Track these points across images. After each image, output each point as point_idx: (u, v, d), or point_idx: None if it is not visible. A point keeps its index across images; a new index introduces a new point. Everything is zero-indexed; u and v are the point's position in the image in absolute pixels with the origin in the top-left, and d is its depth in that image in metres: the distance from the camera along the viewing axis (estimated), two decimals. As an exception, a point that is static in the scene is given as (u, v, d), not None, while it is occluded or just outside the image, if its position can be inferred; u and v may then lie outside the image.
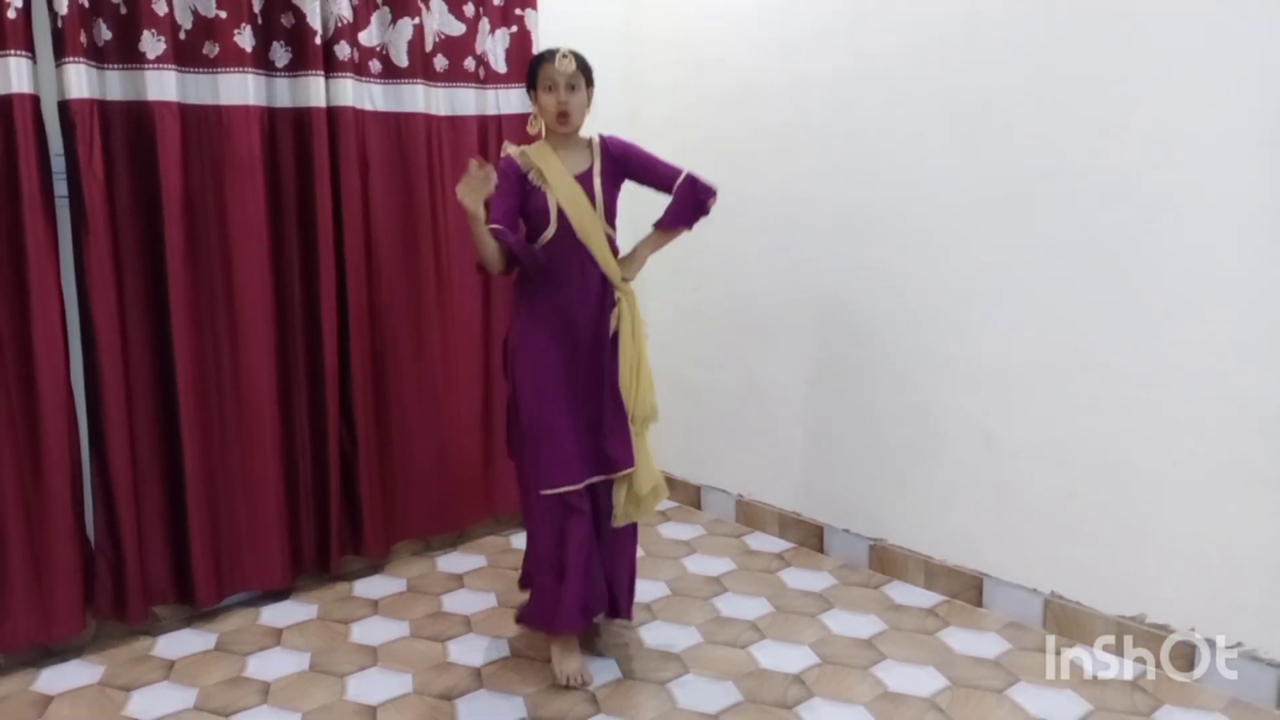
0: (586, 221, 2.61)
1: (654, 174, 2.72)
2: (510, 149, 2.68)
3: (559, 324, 2.64)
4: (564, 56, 2.57)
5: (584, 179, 2.64)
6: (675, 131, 3.97)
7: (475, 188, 2.43)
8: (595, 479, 2.68)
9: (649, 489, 2.70)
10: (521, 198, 2.63)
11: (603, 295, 2.66)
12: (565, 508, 2.65)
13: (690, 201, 2.68)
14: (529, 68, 2.64)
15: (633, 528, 2.85)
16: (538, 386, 2.64)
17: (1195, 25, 2.51)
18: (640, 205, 2.96)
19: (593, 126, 2.73)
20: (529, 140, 2.73)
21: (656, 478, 2.73)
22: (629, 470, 2.66)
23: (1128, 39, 2.64)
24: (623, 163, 2.70)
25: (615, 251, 2.70)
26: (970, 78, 3.00)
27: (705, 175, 2.70)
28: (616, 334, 2.65)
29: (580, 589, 2.66)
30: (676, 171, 2.70)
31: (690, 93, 3.91)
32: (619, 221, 2.74)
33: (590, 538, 2.69)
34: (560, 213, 2.60)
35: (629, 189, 2.78)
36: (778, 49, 3.55)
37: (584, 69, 2.61)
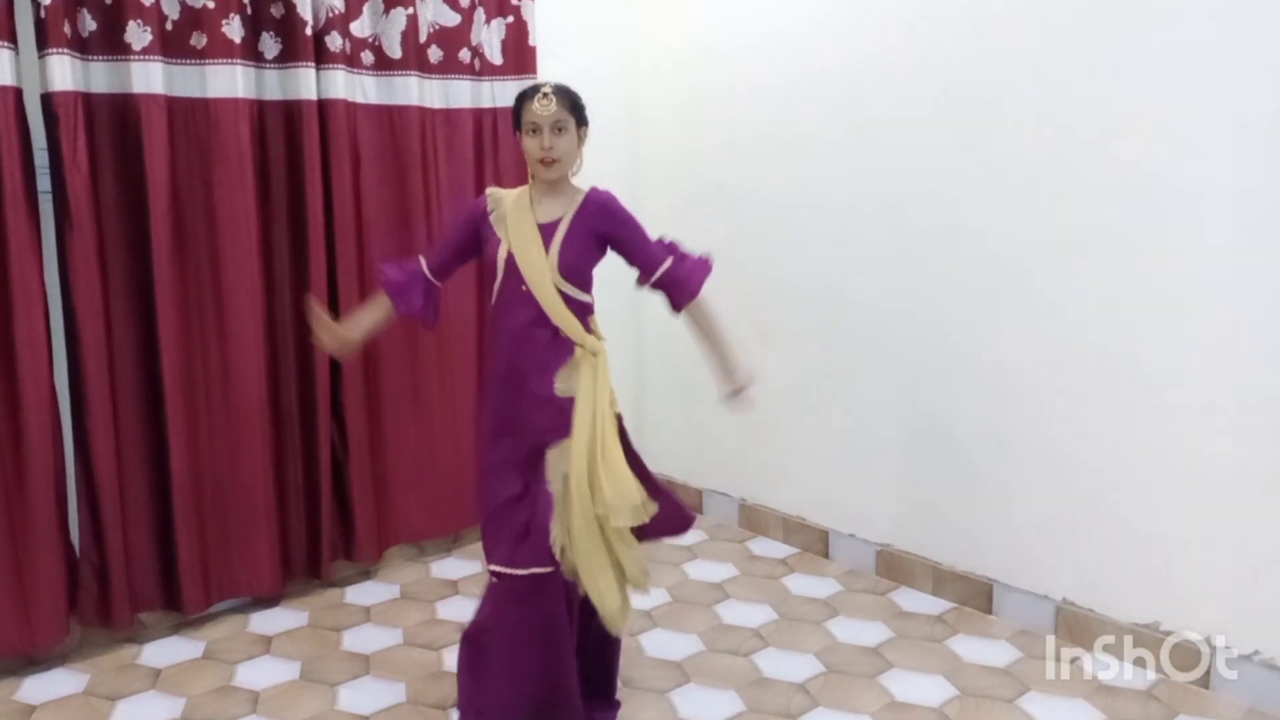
0: (533, 271, 2.28)
1: (634, 256, 2.38)
2: (490, 191, 2.44)
3: (504, 382, 2.36)
4: (544, 96, 2.27)
5: (548, 228, 2.32)
6: (676, 127, 3.97)
7: (322, 332, 2.44)
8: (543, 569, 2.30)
9: (610, 603, 2.30)
10: (475, 240, 2.41)
11: (553, 357, 2.31)
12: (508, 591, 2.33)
13: (680, 286, 2.36)
14: (514, 106, 2.37)
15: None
16: (482, 449, 2.44)
17: (1206, 20, 2.50)
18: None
19: (592, 150, 2.44)
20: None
21: (616, 595, 2.31)
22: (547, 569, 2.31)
23: (1137, 36, 2.62)
24: (604, 228, 2.35)
25: (587, 311, 2.35)
26: (976, 76, 2.98)
27: (694, 248, 2.41)
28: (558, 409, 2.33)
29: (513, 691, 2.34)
30: (658, 259, 2.35)
31: (692, 87, 3.89)
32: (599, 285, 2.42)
33: (537, 631, 2.32)
34: (509, 263, 2.31)
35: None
36: (781, 43, 3.53)
37: (572, 107, 2.30)
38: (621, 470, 2.34)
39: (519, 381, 2.33)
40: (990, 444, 3.04)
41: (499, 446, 2.37)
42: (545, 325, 2.31)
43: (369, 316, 2.51)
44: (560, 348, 2.32)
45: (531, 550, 2.29)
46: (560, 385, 2.32)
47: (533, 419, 2.33)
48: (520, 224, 2.33)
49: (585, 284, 2.35)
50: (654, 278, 2.35)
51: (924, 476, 3.25)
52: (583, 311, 2.34)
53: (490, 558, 2.35)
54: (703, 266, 2.38)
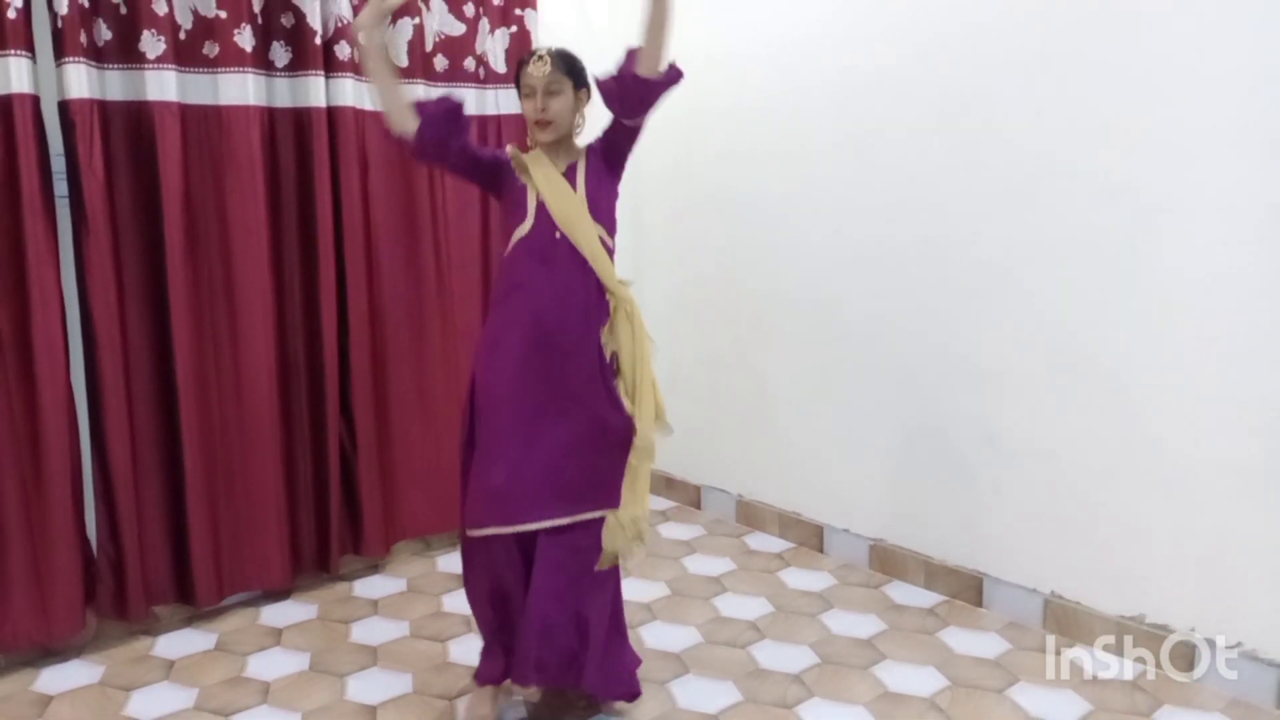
0: (571, 211, 2.31)
1: (610, 123, 2.38)
2: (508, 147, 2.48)
3: (527, 333, 2.31)
4: (539, 58, 2.30)
5: (568, 173, 2.37)
6: (674, 132, 3.95)
7: (373, 10, 2.21)
8: (546, 523, 2.33)
9: (629, 524, 2.36)
10: (494, 171, 2.39)
11: (588, 305, 2.32)
12: (491, 552, 2.38)
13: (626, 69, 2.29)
14: (515, 71, 2.41)
15: (609, 583, 2.46)
16: (486, 402, 2.35)
17: (1195, 25, 2.52)
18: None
19: (585, 137, 2.47)
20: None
21: (638, 518, 2.38)
22: (612, 509, 2.37)
23: (1127, 39, 2.64)
24: (601, 149, 2.41)
25: (611, 256, 2.38)
26: (969, 79, 3.00)
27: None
28: (611, 354, 2.36)
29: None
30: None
31: (691, 93, 3.87)
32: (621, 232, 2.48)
33: (513, 590, 2.40)
34: (540, 209, 2.32)
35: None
36: (779, 49, 3.55)
37: (569, 69, 2.32)
38: (651, 407, 2.40)
39: (556, 340, 2.30)
40: (981, 442, 3.07)
41: (508, 401, 2.31)
42: (579, 274, 2.32)
43: (395, 86, 2.37)
44: (595, 300, 2.33)
45: (597, 496, 2.35)
46: (606, 340, 2.35)
47: (586, 396, 2.32)
48: (546, 171, 2.34)
49: (611, 224, 2.40)
50: (607, 77, 2.29)
51: (916, 473, 3.28)
52: (612, 258, 2.38)
53: (543, 513, 2.31)
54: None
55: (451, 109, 2.34)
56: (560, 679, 2.43)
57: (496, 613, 2.45)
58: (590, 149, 2.44)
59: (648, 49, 2.24)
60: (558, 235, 2.32)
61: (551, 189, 2.33)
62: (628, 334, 2.35)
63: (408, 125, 2.32)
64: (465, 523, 2.41)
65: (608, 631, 2.47)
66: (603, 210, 2.38)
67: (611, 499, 2.37)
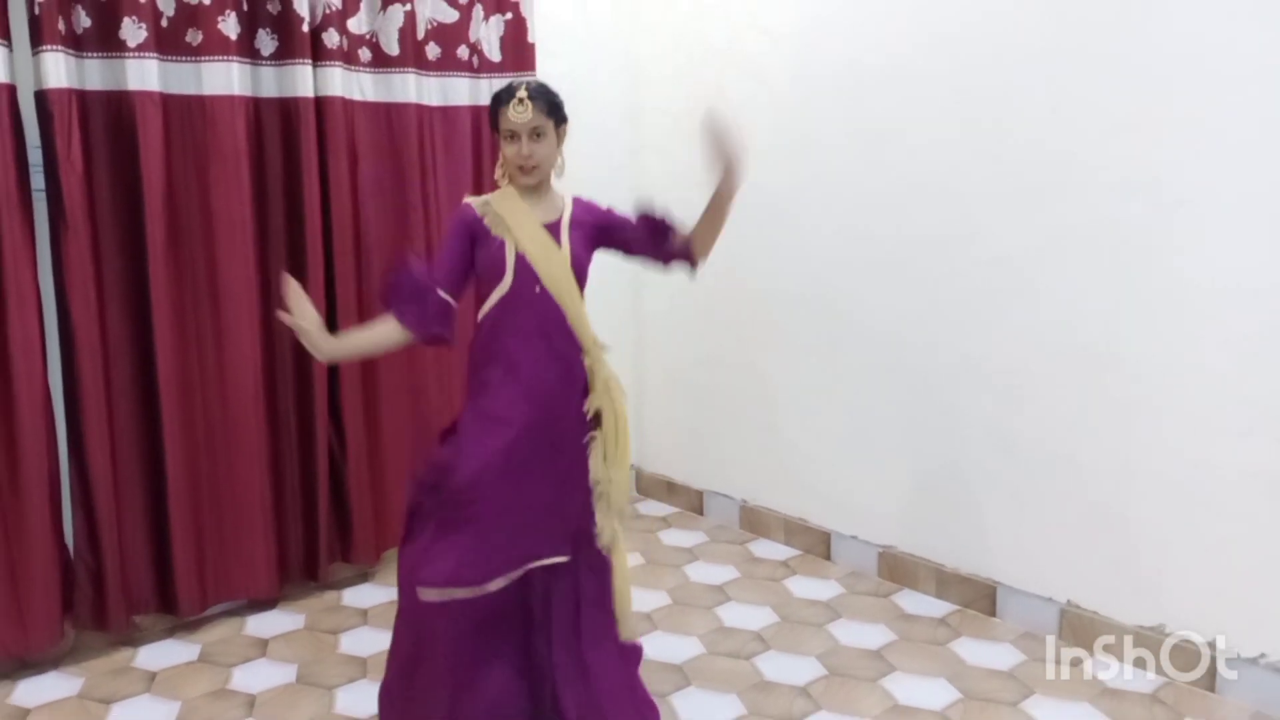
0: (557, 271, 2.22)
1: (627, 226, 2.34)
2: (470, 200, 2.32)
3: (517, 399, 2.23)
4: (520, 102, 2.16)
5: (552, 228, 2.27)
6: (677, 125, 3.94)
7: (294, 307, 2.13)
8: (533, 564, 2.26)
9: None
10: (470, 250, 2.26)
11: (573, 368, 2.27)
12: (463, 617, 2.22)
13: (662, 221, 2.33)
14: (490, 106, 2.28)
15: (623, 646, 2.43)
16: (484, 455, 2.21)
17: (1212, 19, 2.50)
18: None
19: (592, 147, 2.47)
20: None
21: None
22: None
23: (1146, 32, 2.62)
24: (595, 225, 2.33)
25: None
26: (982, 72, 2.98)
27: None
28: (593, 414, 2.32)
29: None
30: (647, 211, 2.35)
31: (692, 82, 3.88)
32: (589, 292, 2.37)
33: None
34: (519, 263, 2.21)
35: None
36: (784, 40, 3.52)
37: (550, 109, 2.20)
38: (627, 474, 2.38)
39: (543, 395, 2.24)
40: (994, 446, 3.04)
41: (506, 459, 2.21)
42: (560, 330, 2.24)
43: (363, 335, 2.31)
44: (575, 352, 2.27)
45: (562, 539, 2.28)
46: (589, 401, 2.29)
47: (571, 436, 2.28)
48: (527, 224, 2.24)
49: (583, 284, 2.31)
50: (655, 218, 2.30)
51: (927, 478, 3.25)
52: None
53: (533, 555, 2.23)
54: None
55: (416, 295, 2.20)
56: None
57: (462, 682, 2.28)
58: (580, 208, 2.32)
59: (703, 243, 2.37)
60: (538, 290, 2.22)
61: (536, 245, 2.22)
62: (606, 400, 2.30)
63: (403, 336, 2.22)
64: (443, 581, 2.20)
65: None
66: (581, 271, 2.30)
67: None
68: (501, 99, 2.22)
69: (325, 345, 2.18)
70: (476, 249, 2.26)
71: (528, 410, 2.22)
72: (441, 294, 2.20)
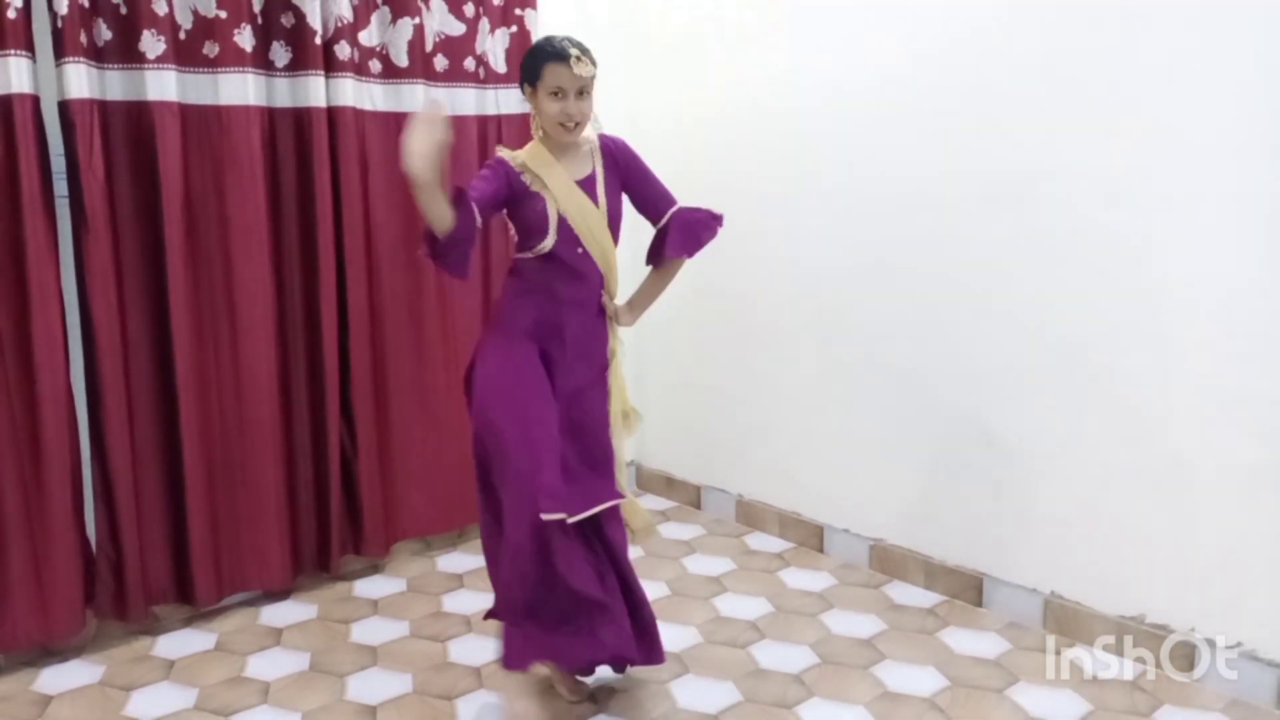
0: (596, 230, 2.28)
1: (649, 194, 2.39)
2: (503, 151, 2.34)
3: (545, 341, 2.35)
4: (579, 59, 2.15)
5: (587, 185, 2.31)
6: (675, 130, 3.96)
7: (425, 140, 1.96)
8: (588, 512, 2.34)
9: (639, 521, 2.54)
10: (510, 197, 2.27)
11: (598, 319, 2.40)
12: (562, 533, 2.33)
13: (688, 230, 2.39)
14: (528, 61, 2.24)
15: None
16: (515, 388, 2.29)
17: (1195, 25, 2.52)
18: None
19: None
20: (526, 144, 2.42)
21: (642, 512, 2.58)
22: (618, 501, 2.43)
23: (1129, 40, 2.64)
24: (624, 170, 2.38)
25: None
26: (968, 82, 2.99)
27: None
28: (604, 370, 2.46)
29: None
30: (672, 200, 2.41)
31: (691, 92, 3.90)
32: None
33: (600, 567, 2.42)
34: (562, 224, 2.26)
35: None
36: (779, 50, 3.55)
37: (595, 66, 2.24)
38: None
39: (571, 344, 2.37)
40: (981, 441, 3.07)
41: (539, 389, 2.32)
42: (595, 290, 2.37)
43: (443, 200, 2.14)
44: (602, 316, 2.43)
45: (610, 485, 2.42)
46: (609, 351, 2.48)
47: (589, 385, 2.42)
48: (565, 185, 2.26)
49: (617, 236, 2.41)
50: (667, 215, 2.38)
51: (916, 473, 3.28)
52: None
53: (568, 505, 2.26)
54: (713, 221, 2.40)
55: (470, 232, 2.19)
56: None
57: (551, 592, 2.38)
58: (609, 156, 2.37)
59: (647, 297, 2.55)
60: (580, 251, 2.31)
61: (575, 206, 2.28)
62: (616, 354, 2.50)
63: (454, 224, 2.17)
64: (546, 507, 2.24)
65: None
66: (616, 225, 2.38)
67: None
68: (549, 55, 2.17)
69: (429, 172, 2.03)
70: (514, 202, 2.28)
71: (549, 355, 2.36)
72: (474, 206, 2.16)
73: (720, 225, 2.42)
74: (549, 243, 2.28)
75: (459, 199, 2.13)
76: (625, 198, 2.46)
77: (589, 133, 2.37)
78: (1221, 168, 2.50)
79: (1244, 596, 2.56)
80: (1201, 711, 2.53)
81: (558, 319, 2.36)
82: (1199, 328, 2.57)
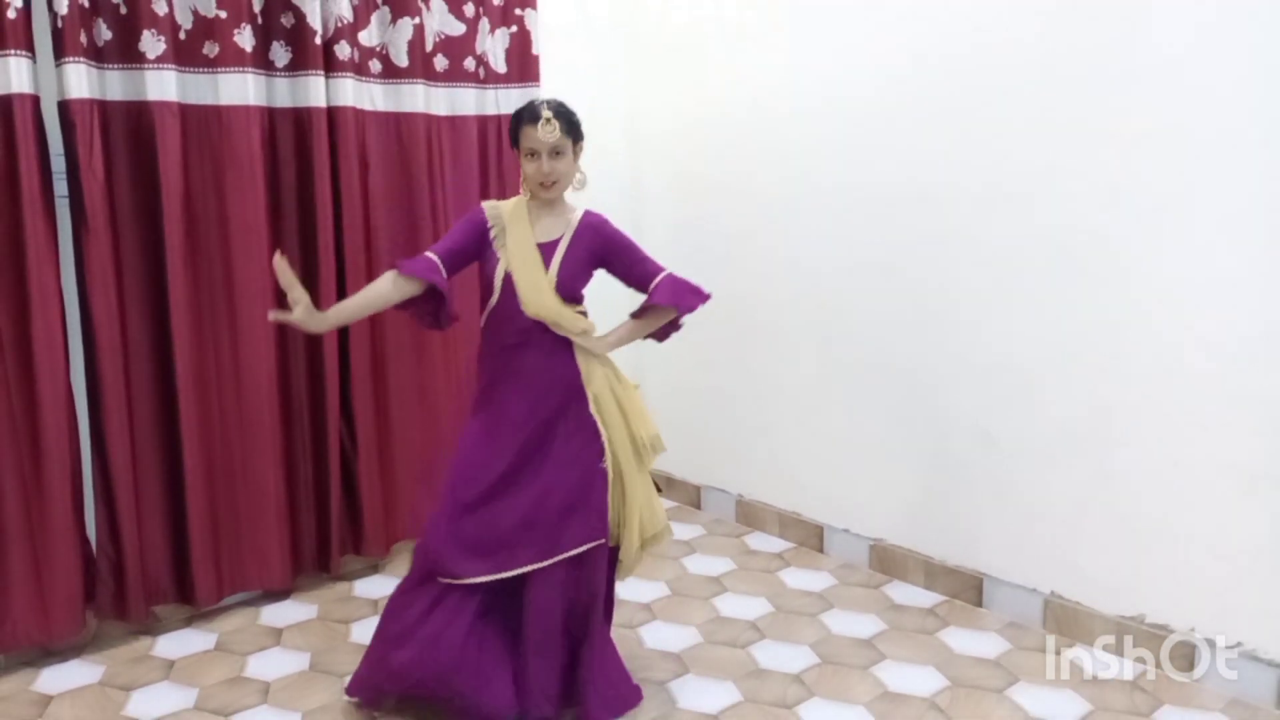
0: (530, 289, 2.31)
1: (633, 264, 2.42)
2: (487, 204, 2.45)
3: (496, 401, 2.40)
4: (547, 122, 2.26)
5: (548, 248, 2.36)
6: (675, 131, 3.98)
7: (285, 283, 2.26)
8: (507, 573, 2.38)
9: (651, 532, 2.49)
10: (475, 251, 2.40)
11: (552, 371, 2.38)
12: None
13: (675, 291, 2.39)
14: (512, 124, 2.37)
15: (599, 620, 2.51)
16: (465, 459, 2.40)
17: (1193, 26, 2.52)
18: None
19: (593, 150, 2.51)
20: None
21: (660, 520, 2.52)
22: (597, 542, 2.42)
23: (1128, 41, 2.64)
24: (601, 246, 2.40)
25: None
26: (968, 84, 3.00)
27: (693, 279, 2.43)
28: (580, 414, 2.42)
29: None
30: (659, 267, 2.42)
31: (690, 93, 3.91)
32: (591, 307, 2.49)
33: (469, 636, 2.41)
34: (506, 283, 2.34)
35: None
36: (779, 50, 3.55)
37: (570, 128, 2.31)
38: (644, 414, 2.53)
39: (520, 402, 2.37)
40: (982, 442, 3.07)
41: (482, 460, 2.38)
42: (544, 336, 2.37)
43: (354, 298, 2.43)
44: (562, 365, 2.39)
45: (584, 528, 2.39)
46: (590, 397, 2.42)
47: (547, 437, 2.39)
48: (521, 244, 2.34)
49: (577, 301, 2.42)
50: (656, 280, 2.38)
51: (917, 473, 3.28)
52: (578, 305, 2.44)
53: (518, 562, 2.36)
54: (699, 293, 2.41)
55: (428, 268, 2.35)
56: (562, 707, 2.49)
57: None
58: (583, 229, 2.39)
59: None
60: (521, 307, 2.35)
61: (522, 264, 2.33)
62: (605, 386, 2.44)
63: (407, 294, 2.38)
64: (446, 571, 2.38)
65: (600, 653, 2.52)
66: (570, 294, 2.39)
67: (594, 530, 2.42)
68: (524, 118, 2.31)
69: (314, 322, 2.32)
70: (479, 257, 2.40)
71: (501, 416, 2.38)
72: (431, 255, 2.35)
73: (705, 300, 2.42)
74: (494, 300, 2.37)
75: (418, 270, 2.33)
76: (606, 273, 2.47)
77: (574, 201, 2.43)
78: (1221, 168, 2.50)
79: (1244, 596, 2.56)
80: (1201, 711, 2.53)
81: (509, 371, 2.39)
82: (1199, 328, 2.58)
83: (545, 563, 2.38)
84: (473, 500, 2.37)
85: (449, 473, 2.42)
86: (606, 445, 2.42)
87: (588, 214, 2.44)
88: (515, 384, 2.39)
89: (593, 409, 2.42)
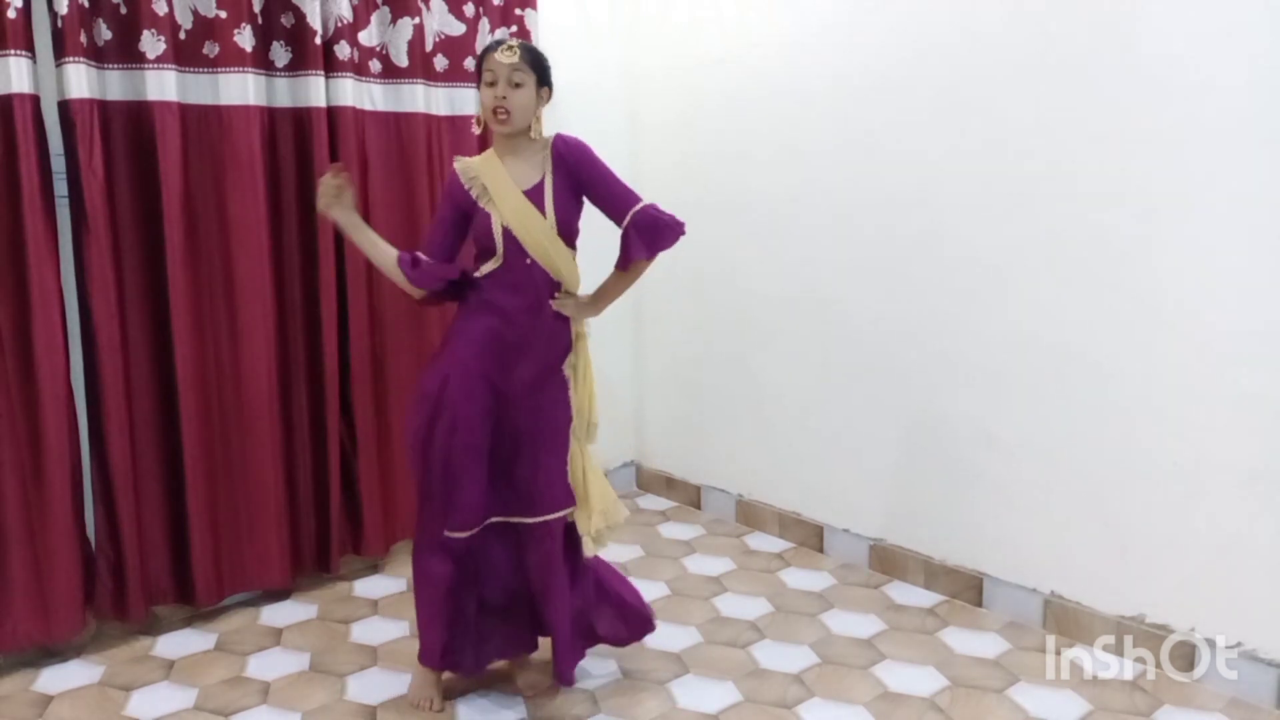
0: (543, 240, 2.30)
1: (608, 196, 2.36)
2: (458, 162, 2.41)
3: (498, 358, 2.36)
4: (508, 48, 2.26)
5: (534, 193, 2.32)
6: (674, 132, 3.98)
7: (329, 196, 2.33)
8: (505, 519, 2.48)
9: (600, 515, 2.51)
10: (465, 219, 2.37)
11: (555, 332, 2.39)
12: (456, 549, 2.46)
13: (648, 233, 2.33)
14: (476, 59, 2.38)
15: (579, 575, 2.58)
16: (459, 424, 2.36)
17: (1193, 25, 2.52)
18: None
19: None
20: (485, 148, 2.46)
21: (608, 502, 2.53)
22: (569, 509, 2.49)
23: (1127, 40, 2.64)
24: (577, 173, 2.36)
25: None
26: (968, 80, 3.00)
27: (666, 208, 2.38)
28: (560, 375, 2.45)
29: (443, 631, 2.53)
30: (634, 199, 2.35)
31: (690, 94, 3.91)
32: (581, 244, 2.46)
33: (467, 585, 2.51)
34: (507, 238, 2.31)
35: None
36: (778, 50, 3.55)
37: (533, 64, 2.29)
38: (595, 402, 2.55)
39: (524, 358, 2.38)
40: (981, 442, 3.07)
41: (479, 425, 2.38)
42: (546, 296, 2.37)
43: (382, 247, 2.42)
44: (562, 327, 2.42)
45: (559, 495, 2.46)
46: (567, 369, 2.45)
47: (536, 400, 2.42)
48: (508, 195, 2.31)
49: (574, 242, 2.41)
50: (629, 215, 2.33)
51: (916, 473, 3.28)
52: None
53: (455, 527, 2.41)
54: (675, 226, 2.36)
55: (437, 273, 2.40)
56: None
57: (465, 604, 2.53)
58: (558, 158, 2.35)
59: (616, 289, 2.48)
60: (528, 261, 2.33)
61: (519, 219, 2.30)
62: (582, 364, 2.48)
63: (412, 288, 2.43)
64: (451, 525, 2.44)
65: (598, 586, 2.62)
66: (571, 233, 2.39)
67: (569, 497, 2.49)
68: (489, 47, 2.31)
69: (341, 213, 2.37)
70: (469, 219, 2.38)
71: (501, 374, 2.38)
72: (429, 258, 2.40)
73: (681, 233, 2.37)
74: (497, 259, 2.34)
75: (418, 261, 2.38)
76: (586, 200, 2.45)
77: (540, 134, 2.37)
78: (1222, 168, 2.50)
79: (1244, 596, 2.56)
80: (1201, 711, 2.53)
81: (508, 331, 2.37)
82: (1199, 328, 2.58)
83: (540, 518, 2.47)
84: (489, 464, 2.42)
85: (453, 431, 2.37)
86: (571, 388, 2.47)
87: (558, 138, 2.38)
88: (520, 340, 2.37)
89: (567, 371, 2.46)
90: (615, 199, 2.37)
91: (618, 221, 2.37)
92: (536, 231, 2.30)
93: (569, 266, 2.38)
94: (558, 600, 2.52)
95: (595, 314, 2.49)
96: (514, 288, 2.35)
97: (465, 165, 2.40)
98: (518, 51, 2.26)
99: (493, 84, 2.28)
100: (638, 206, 2.34)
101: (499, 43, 2.30)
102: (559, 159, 2.35)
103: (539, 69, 2.32)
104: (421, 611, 2.56)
